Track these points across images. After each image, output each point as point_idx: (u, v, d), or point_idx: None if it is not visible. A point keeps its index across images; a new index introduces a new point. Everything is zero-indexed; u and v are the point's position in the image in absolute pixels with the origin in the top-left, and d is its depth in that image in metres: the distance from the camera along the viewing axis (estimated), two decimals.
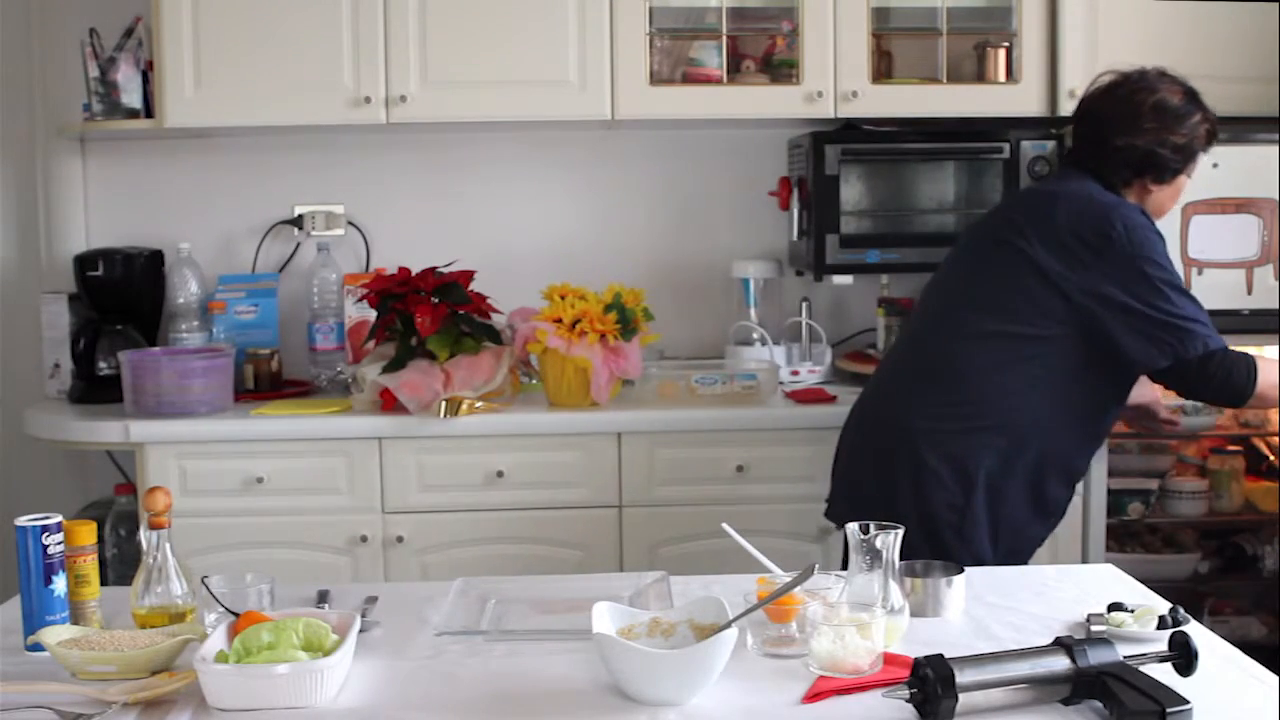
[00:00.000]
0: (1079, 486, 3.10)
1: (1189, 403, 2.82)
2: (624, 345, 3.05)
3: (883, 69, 3.33)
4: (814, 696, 1.46)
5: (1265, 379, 2.27)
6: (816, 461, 3.06)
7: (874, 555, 1.65)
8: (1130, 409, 2.57)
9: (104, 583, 1.76)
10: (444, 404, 2.96)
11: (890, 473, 2.32)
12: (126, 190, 3.52)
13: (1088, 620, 1.68)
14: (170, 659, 1.57)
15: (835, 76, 3.23)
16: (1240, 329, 3.07)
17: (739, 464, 3.01)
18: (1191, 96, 2.40)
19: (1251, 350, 2.33)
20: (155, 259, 3.40)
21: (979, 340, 2.31)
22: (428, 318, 3.01)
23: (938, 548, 2.18)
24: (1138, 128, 2.35)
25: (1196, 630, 1.63)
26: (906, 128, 3.32)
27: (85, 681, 1.53)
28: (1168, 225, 3.04)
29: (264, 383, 3.30)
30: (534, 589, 1.88)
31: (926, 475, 2.28)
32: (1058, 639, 1.47)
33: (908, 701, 1.39)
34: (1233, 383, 2.26)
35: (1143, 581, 1.92)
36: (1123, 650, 1.46)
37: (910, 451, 2.30)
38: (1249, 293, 3.08)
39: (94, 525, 1.75)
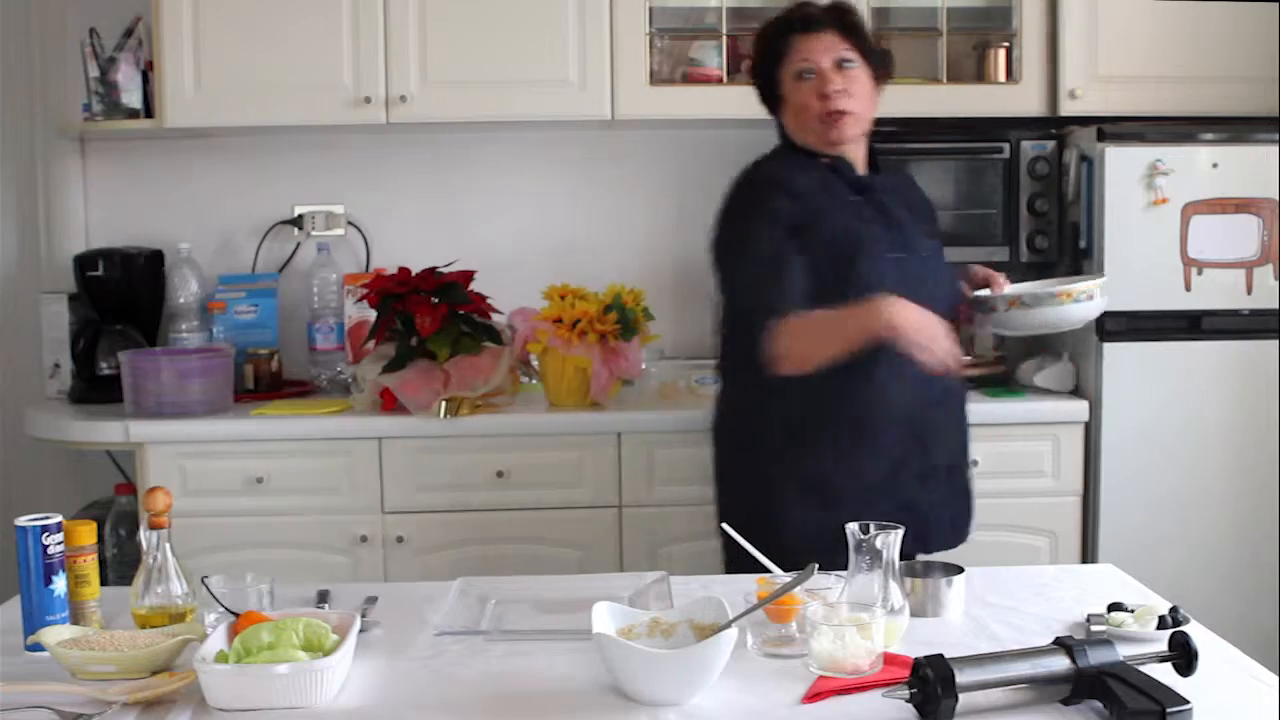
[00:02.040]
0: (1083, 486, 3.13)
1: None
2: (624, 345, 3.05)
3: None
4: (814, 696, 1.46)
5: None
6: None
7: (874, 555, 1.64)
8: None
9: (104, 583, 1.76)
10: (444, 404, 2.96)
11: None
12: (126, 190, 3.52)
13: (1088, 620, 1.68)
14: (170, 659, 1.57)
15: None
16: (1240, 329, 3.09)
17: None
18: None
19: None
20: (155, 259, 3.40)
21: None
22: (428, 318, 3.01)
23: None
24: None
25: (1196, 630, 1.63)
26: (906, 128, 3.32)
27: (85, 681, 1.53)
28: (1167, 226, 3.06)
29: (264, 383, 3.30)
30: (534, 589, 1.88)
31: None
32: (1058, 639, 1.47)
33: (908, 701, 1.39)
34: None
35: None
36: (1123, 650, 1.46)
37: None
38: (1249, 293, 3.08)
39: (94, 525, 1.75)
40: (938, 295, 2.24)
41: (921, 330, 2.03)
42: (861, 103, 2.24)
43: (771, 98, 2.32)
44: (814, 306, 2.13)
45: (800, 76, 2.23)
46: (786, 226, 2.19)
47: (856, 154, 2.30)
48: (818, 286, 2.14)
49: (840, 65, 2.22)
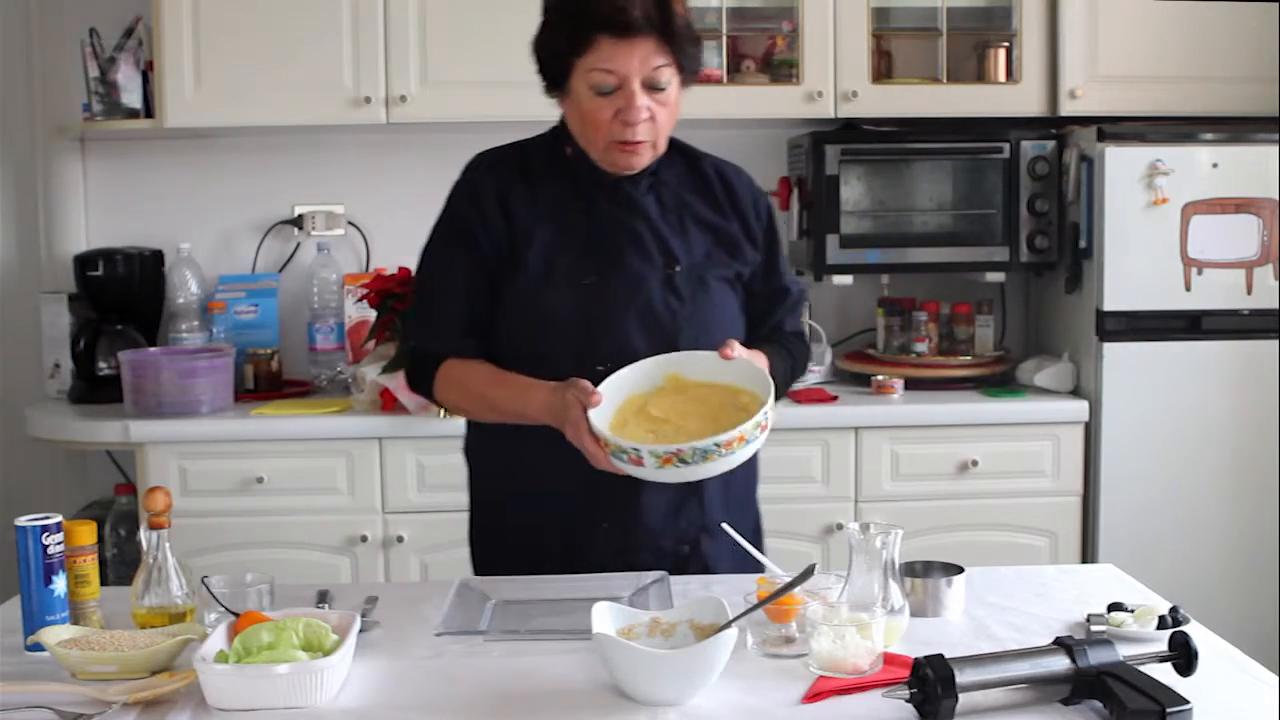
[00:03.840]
0: (1083, 486, 3.13)
1: None
2: None
3: (883, 69, 3.34)
4: (814, 696, 1.46)
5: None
6: (816, 461, 3.06)
7: (872, 555, 1.64)
8: None
9: (104, 583, 1.76)
10: None
11: None
12: (126, 190, 3.52)
13: (1088, 620, 1.68)
14: (170, 659, 1.57)
15: (835, 76, 3.23)
16: (1240, 329, 3.09)
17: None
18: None
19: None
20: (155, 259, 3.40)
21: None
22: None
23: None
24: None
25: (1196, 630, 1.63)
26: (906, 128, 3.32)
27: (85, 681, 1.52)
28: (1167, 226, 3.06)
29: (264, 383, 3.30)
30: (534, 589, 1.88)
31: None
32: (1058, 639, 1.46)
33: (908, 701, 1.39)
34: None
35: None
36: (1123, 650, 1.46)
37: None
38: (1249, 293, 3.09)
39: (94, 525, 1.75)
40: (660, 321, 1.87)
41: (566, 427, 1.74)
42: (665, 125, 1.86)
43: (555, 78, 1.88)
44: (476, 339, 1.91)
45: (600, 90, 1.82)
46: (469, 241, 1.91)
47: None
48: (508, 317, 1.90)
49: (652, 85, 1.81)
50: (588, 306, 1.86)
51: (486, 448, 2.03)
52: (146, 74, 3.26)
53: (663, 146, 1.90)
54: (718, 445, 1.64)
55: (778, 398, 1.80)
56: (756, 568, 1.80)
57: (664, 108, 1.84)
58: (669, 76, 1.83)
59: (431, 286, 1.96)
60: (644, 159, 1.88)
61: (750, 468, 1.99)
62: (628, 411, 1.77)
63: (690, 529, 1.94)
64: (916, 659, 1.40)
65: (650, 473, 1.67)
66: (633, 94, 1.80)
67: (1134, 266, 3.08)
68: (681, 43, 1.82)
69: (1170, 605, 1.72)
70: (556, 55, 1.85)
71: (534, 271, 1.88)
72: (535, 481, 1.93)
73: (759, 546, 1.96)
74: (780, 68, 3.31)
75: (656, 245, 1.90)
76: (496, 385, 1.88)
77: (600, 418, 1.72)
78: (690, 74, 1.88)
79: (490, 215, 1.91)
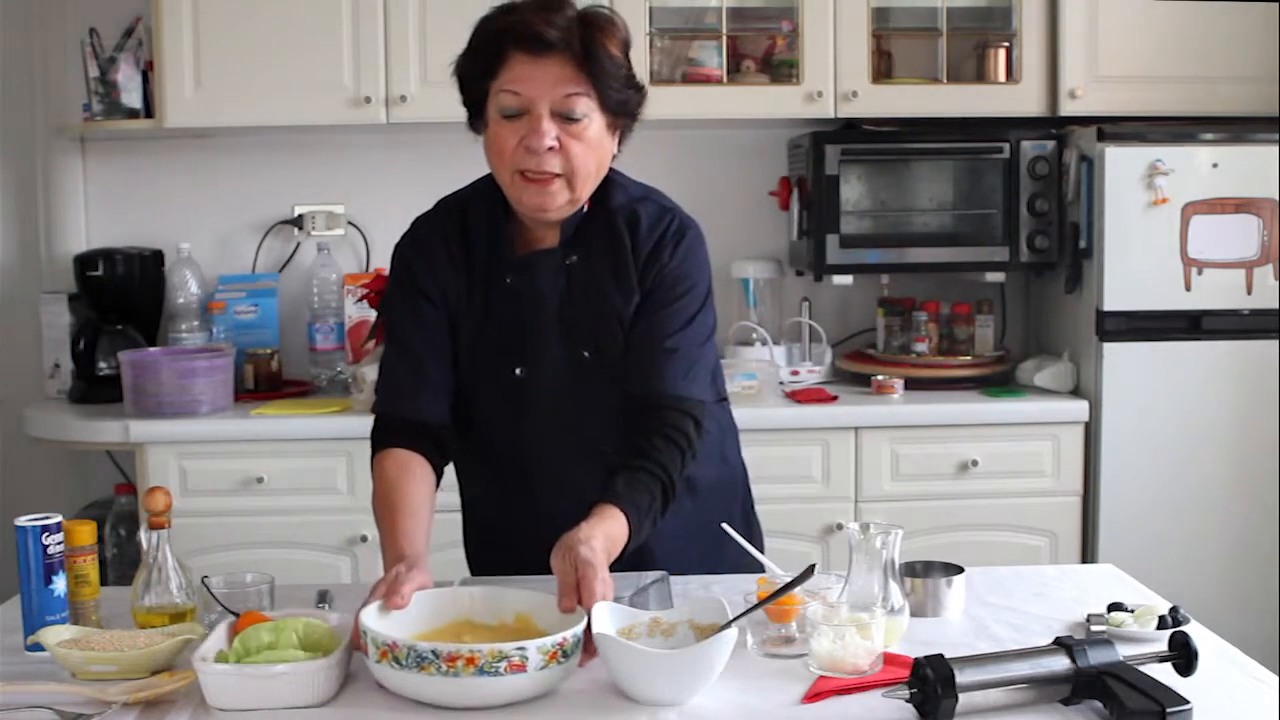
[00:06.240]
0: (1083, 486, 3.13)
1: None
2: None
3: (883, 69, 3.34)
4: (814, 696, 1.46)
5: None
6: (816, 461, 3.06)
7: (872, 555, 1.64)
8: None
9: (104, 583, 1.76)
10: None
11: None
12: (126, 190, 3.52)
13: (1088, 620, 1.68)
14: (170, 659, 1.56)
15: (835, 76, 3.23)
16: (1240, 329, 3.09)
17: None
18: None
19: None
20: (155, 259, 3.40)
21: None
22: None
23: None
24: None
25: (1196, 630, 1.63)
26: (906, 128, 3.32)
27: (85, 681, 1.52)
28: (1167, 226, 3.06)
29: (264, 383, 3.30)
30: (534, 589, 1.88)
31: None
32: (1058, 639, 1.46)
33: (908, 701, 1.39)
34: None
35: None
36: (1123, 650, 1.46)
37: None
38: (1249, 293, 3.09)
39: (94, 525, 1.75)
40: (576, 409, 1.82)
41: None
42: (583, 165, 1.71)
43: (475, 109, 1.78)
44: (435, 405, 1.82)
45: (505, 112, 1.71)
46: (413, 315, 1.85)
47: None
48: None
49: (565, 115, 1.68)
50: (513, 397, 1.83)
51: (466, 503, 2.02)
52: (146, 74, 3.27)
53: (583, 193, 1.75)
54: (503, 655, 1.38)
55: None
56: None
57: (578, 141, 1.69)
58: (585, 109, 1.69)
59: (388, 348, 1.90)
60: (556, 199, 1.73)
61: (708, 520, 1.89)
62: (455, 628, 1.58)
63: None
64: (916, 659, 1.40)
65: (420, 680, 1.39)
66: (539, 118, 1.68)
67: (1134, 266, 3.08)
68: (604, 75, 1.68)
69: (1170, 605, 1.72)
70: (472, 77, 1.74)
71: (463, 363, 1.84)
72: (491, 531, 1.97)
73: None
74: (780, 68, 3.31)
75: (574, 333, 1.81)
76: (381, 515, 1.75)
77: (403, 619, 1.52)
78: (619, 115, 1.74)
79: (432, 297, 1.85)
